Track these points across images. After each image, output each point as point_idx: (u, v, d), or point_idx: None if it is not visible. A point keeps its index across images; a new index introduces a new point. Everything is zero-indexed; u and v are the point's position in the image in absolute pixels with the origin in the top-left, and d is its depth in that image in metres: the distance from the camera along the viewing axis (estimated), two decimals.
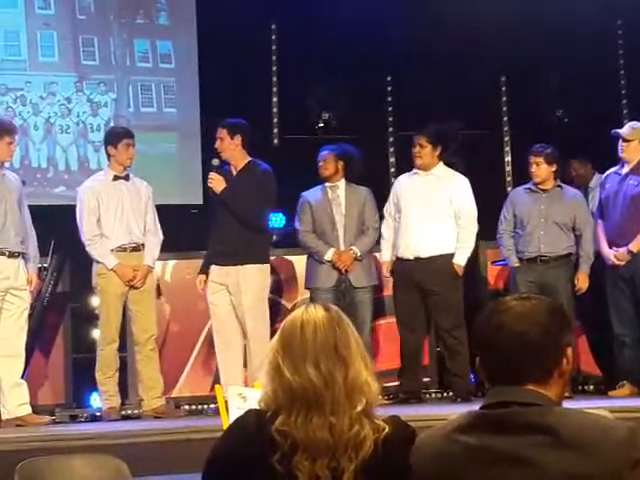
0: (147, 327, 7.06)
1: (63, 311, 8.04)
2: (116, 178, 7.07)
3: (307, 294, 7.58)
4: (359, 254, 7.33)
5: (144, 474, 3.88)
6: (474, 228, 7.37)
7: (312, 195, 7.54)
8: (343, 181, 7.49)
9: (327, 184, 7.49)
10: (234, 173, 7.11)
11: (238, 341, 7.03)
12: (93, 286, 7.23)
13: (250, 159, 7.14)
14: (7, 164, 6.87)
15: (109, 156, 7.10)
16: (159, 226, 7.16)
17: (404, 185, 7.46)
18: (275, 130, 9.36)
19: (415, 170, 7.45)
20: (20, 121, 8.26)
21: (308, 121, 9.28)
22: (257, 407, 2.60)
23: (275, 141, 9.31)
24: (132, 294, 7.04)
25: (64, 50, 8.71)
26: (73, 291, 8.13)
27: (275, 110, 9.35)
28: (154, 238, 7.11)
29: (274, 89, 9.32)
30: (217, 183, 7.01)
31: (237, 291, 6.94)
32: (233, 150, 7.07)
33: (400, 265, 7.36)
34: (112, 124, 8.45)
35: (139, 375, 7.10)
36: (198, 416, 7.18)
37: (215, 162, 7.10)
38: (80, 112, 8.69)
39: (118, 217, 7.04)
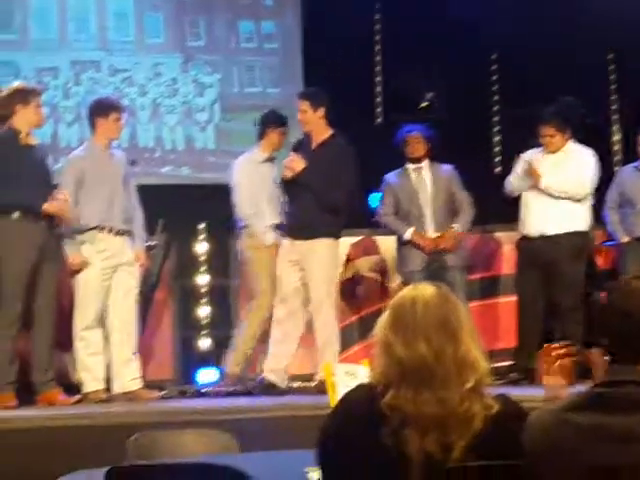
0: None
1: (171, 289, 8.17)
2: (267, 160, 7.20)
3: None
4: (461, 231, 7.27)
5: (252, 449, 3.91)
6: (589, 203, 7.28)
7: (395, 177, 7.45)
8: (427, 161, 7.42)
9: (411, 165, 7.40)
10: (313, 146, 6.99)
11: (300, 317, 6.95)
12: (240, 260, 7.34)
13: (332, 132, 7.02)
14: (115, 143, 6.96)
15: (267, 139, 7.22)
16: None
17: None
18: (378, 109, 9.34)
19: (541, 149, 7.31)
20: (127, 102, 8.38)
21: (411, 101, 9.23)
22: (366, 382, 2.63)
23: (379, 120, 9.29)
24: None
25: (170, 31, 8.82)
26: (180, 269, 8.25)
27: (379, 89, 9.33)
28: None
29: (378, 67, 9.29)
30: (297, 163, 6.92)
31: (306, 266, 6.85)
32: (316, 122, 6.95)
33: (525, 243, 7.27)
34: (217, 104, 8.52)
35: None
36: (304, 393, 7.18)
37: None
38: (186, 92, 8.79)
39: (269, 197, 7.18)
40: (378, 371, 2.56)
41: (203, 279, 8.33)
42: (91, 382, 6.62)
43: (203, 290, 8.35)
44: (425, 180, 7.38)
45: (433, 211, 7.31)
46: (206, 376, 7.97)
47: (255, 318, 7.17)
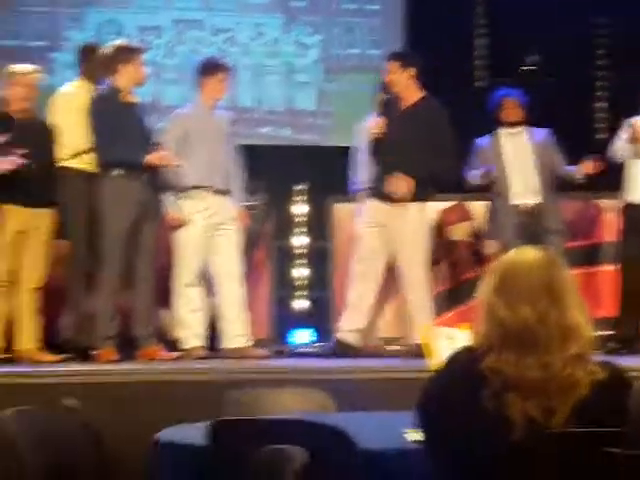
0: None
1: (269, 249, 8.21)
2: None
3: None
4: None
5: (349, 410, 3.92)
6: None
7: (486, 141, 7.30)
8: (523, 126, 7.25)
9: (505, 129, 7.27)
10: (403, 108, 6.81)
11: (378, 280, 6.82)
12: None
13: (424, 94, 6.84)
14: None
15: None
16: None
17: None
18: (479, 72, 9.23)
19: None
20: (229, 62, 8.40)
21: (513, 64, 9.10)
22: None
23: (479, 83, 9.18)
24: None
25: None
26: (278, 230, 8.29)
27: (480, 52, 9.22)
28: None
29: (481, 30, 9.17)
30: (377, 127, 6.74)
31: (396, 230, 6.72)
32: (405, 84, 6.75)
33: (630, 210, 7.12)
34: (318, 65, 8.51)
35: None
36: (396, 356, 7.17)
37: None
38: (287, 53, 8.80)
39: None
40: (481, 334, 2.54)
41: (301, 241, 8.36)
42: (191, 339, 6.70)
43: (300, 252, 8.38)
44: (519, 145, 7.25)
45: (525, 176, 7.19)
46: (301, 337, 8.02)
47: None
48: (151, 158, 6.42)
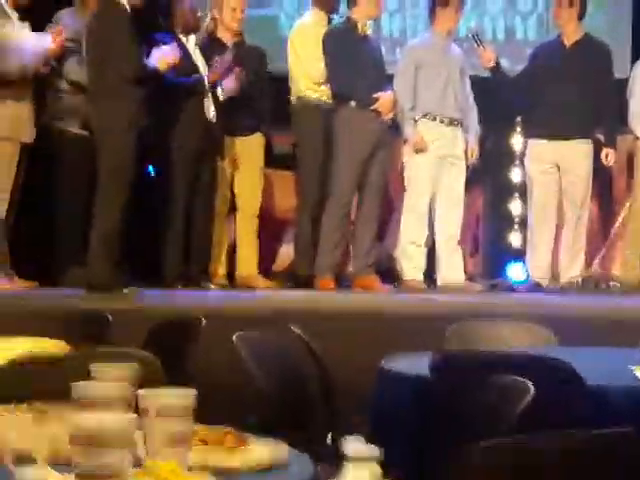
0: None
1: (485, 182, 8.15)
2: None
3: None
4: None
5: (571, 344, 3.87)
6: None
7: None
8: None
9: None
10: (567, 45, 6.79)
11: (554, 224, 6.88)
12: None
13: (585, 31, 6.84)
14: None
15: None
16: None
17: None
18: None
19: None
20: None
21: None
22: None
23: None
24: None
25: None
26: (495, 163, 8.20)
27: None
28: None
29: None
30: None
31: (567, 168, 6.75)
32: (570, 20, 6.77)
33: None
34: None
35: None
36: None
37: None
38: None
39: None
40: None
41: (518, 175, 8.23)
42: (411, 270, 6.74)
43: (517, 186, 8.26)
44: None
45: None
46: (516, 272, 7.95)
47: None
48: (381, 103, 6.51)
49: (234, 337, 3.16)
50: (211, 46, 6.65)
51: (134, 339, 3.51)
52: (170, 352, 3.07)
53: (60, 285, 6.29)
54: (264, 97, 6.84)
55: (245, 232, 6.82)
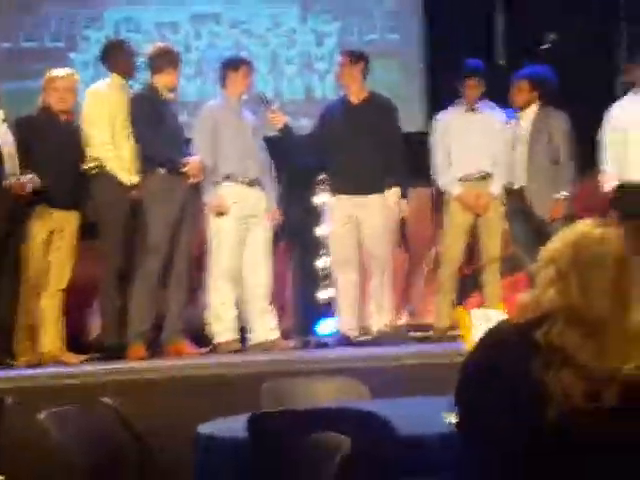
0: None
1: (292, 240, 8.22)
2: (467, 110, 7.11)
3: None
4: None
5: (383, 397, 3.91)
6: None
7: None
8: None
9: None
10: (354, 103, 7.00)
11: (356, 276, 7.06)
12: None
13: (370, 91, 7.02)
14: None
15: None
16: None
17: None
18: (498, 51, 9.12)
19: None
20: (247, 54, 8.39)
21: (532, 43, 8.99)
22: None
23: (501, 62, 9.07)
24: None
25: None
26: (301, 220, 8.29)
27: (499, 30, 9.10)
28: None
29: (498, 9, 9.07)
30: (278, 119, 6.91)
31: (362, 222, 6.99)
32: (354, 78, 6.96)
33: None
34: (336, 53, 8.45)
35: None
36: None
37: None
38: (305, 42, 8.77)
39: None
40: (538, 304, 2.46)
41: (323, 231, 8.33)
42: (224, 332, 6.70)
43: (323, 242, 8.35)
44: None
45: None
46: (326, 327, 8.01)
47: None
48: (191, 166, 6.55)
49: (42, 415, 3.06)
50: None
51: None
52: None
53: None
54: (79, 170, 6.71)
55: (50, 306, 6.64)
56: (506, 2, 8.99)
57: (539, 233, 6.62)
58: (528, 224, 7.02)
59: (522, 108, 7.13)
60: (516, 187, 7.08)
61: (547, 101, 7.14)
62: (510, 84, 7.18)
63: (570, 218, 6.78)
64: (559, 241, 2.52)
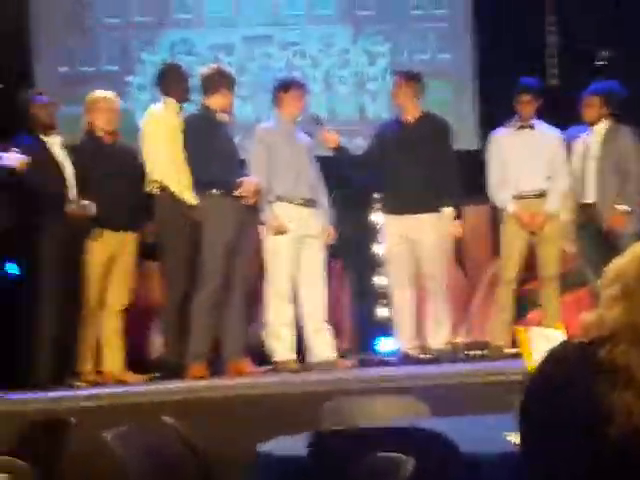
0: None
1: (348, 258, 8.24)
2: (521, 128, 7.13)
3: None
4: None
5: (443, 415, 3.91)
6: None
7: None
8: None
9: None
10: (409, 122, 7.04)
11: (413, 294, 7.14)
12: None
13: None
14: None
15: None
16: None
17: None
18: (554, 71, 9.10)
19: None
20: (300, 74, 8.44)
21: (585, 60, 8.95)
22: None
23: (554, 82, 9.06)
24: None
25: (340, 2, 8.85)
26: (357, 238, 8.31)
27: (551, 50, 9.09)
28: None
29: (552, 27, 9.06)
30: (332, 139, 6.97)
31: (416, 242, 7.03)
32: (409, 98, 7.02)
33: None
34: (388, 73, 8.48)
35: None
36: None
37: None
38: (358, 62, 8.82)
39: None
40: (600, 324, 2.44)
41: (380, 248, 8.35)
42: (282, 351, 6.73)
43: (380, 260, 8.37)
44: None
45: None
46: (385, 345, 8.02)
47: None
48: (244, 188, 6.59)
49: (105, 434, 3.10)
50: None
51: (3, 443, 3.41)
52: (42, 454, 2.99)
53: None
54: (139, 192, 6.80)
55: (111, 327, 6.73)
56: (557, 22, 8.97)
57: (608, 249, 6.56)
58: (597, 239, 6.98)
59: (592, 124, 7.11)
60: (586, 202, 7.06)
61: (617, 116, 7.13)
62: (578, 102, 7.12)
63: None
64: (626, 257, 2.49)
